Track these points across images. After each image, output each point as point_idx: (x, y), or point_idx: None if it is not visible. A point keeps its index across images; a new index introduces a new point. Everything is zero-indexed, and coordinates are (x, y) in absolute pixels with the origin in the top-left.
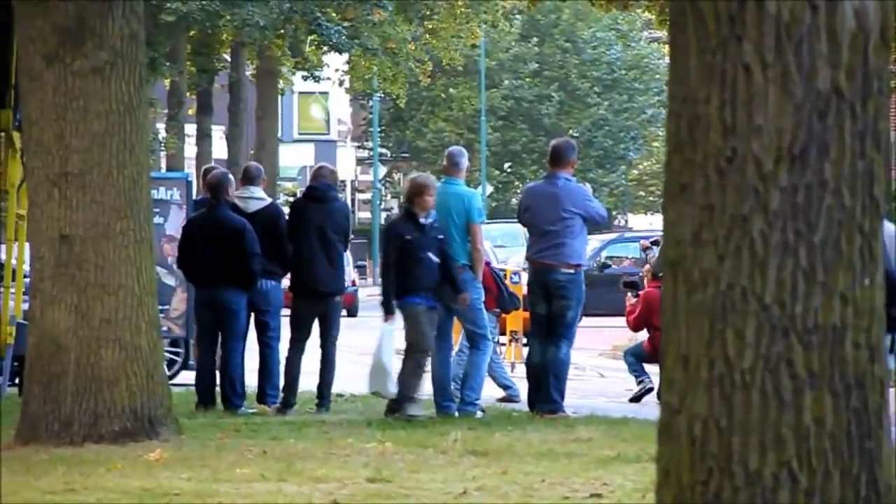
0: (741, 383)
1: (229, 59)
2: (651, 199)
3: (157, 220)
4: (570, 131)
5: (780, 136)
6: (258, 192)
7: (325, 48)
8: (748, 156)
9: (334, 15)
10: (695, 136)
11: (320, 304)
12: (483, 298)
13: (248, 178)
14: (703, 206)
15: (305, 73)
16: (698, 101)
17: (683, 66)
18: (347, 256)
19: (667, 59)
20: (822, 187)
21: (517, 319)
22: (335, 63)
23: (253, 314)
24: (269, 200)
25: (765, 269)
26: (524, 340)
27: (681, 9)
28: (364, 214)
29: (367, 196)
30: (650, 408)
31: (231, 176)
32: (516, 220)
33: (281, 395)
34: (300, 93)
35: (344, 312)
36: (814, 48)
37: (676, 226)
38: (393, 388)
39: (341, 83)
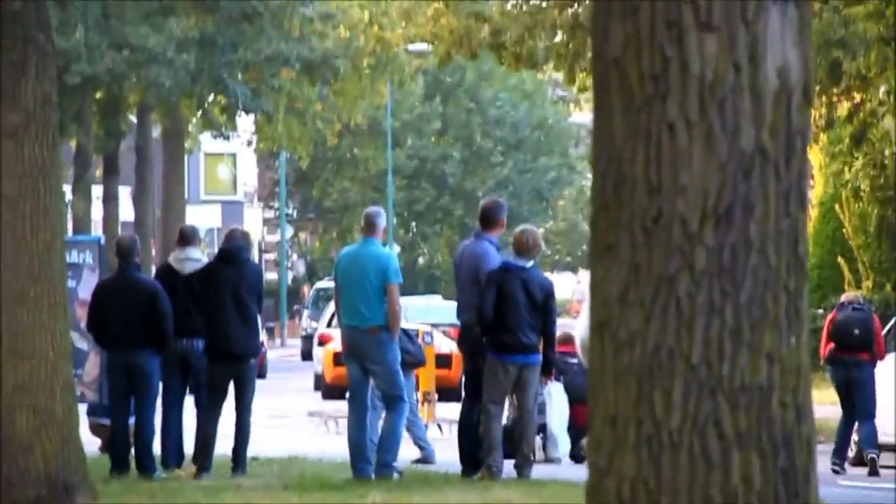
0: (669, 444)
1: (136, 120)
2: (556, 257)
3: (70, 283)
4: (475, 191)
5: (706, 196)
6: (194, 253)
7: (231, 109)
8: (674, 215)
9: (240, 77)
10: (620, 195)
11: (235, 367)
12: (399, 359)
13: (183, 240)
14: (630, 266)
15: (213, 133)
16: (623, 160)
17: (608, 126)
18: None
19: (569, 120)
20: (747, 247)
21: (429, 379)
22: (242, 124)
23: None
24: (205, 261)
25: (691, 329)
26: (436, 398)
27: (604, 68)
28: (271, 275)
29: (274, 256)
30: (567, 468)
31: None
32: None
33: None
34: (207, 154)
35: None
36: (738, 107)
37: (603, 286)
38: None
39: (249, 143)
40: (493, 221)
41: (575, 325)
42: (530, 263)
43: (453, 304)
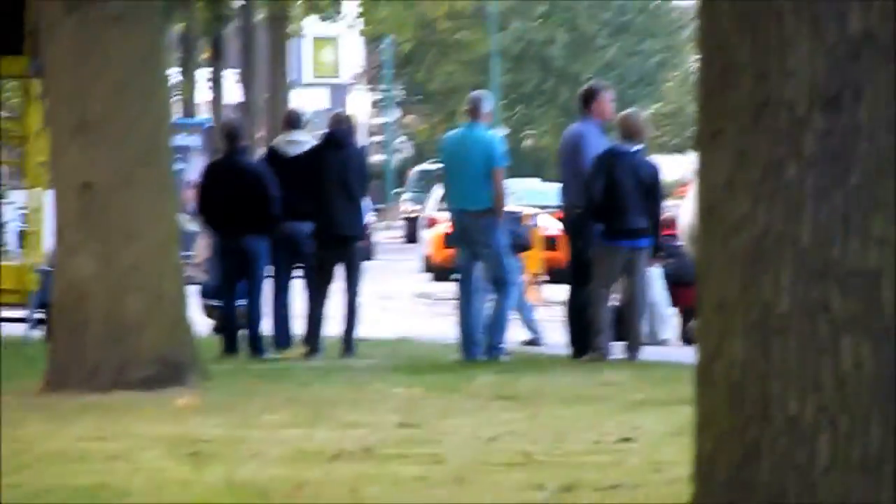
0: (778, 328)
1: (242, 3)
2: (663, 139)
3: (178, 166)
4: (581, 74)
5: (813, 81)
6: (301, 135)
7: None
8: (781, 101)
9: None
10: (727, 81)
11: (342, 249)
12: (507, 242)
13: (289, 123)
14: (737, 152)
15: (319, 16)
16: (730, 46)
17: (714, 12)
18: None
19: (674, 3)
20: (856, 132)
21: (537, 261)
22: (347, 7)
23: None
24: (312, 144)
25: (800, 214)
26: (544, 280)
27: None
28: (377, 158)
29: (380, 139)
30: (675, 350)
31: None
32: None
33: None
34: (313, 37)
35: None
36: None
37: (710, 171)
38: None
39: (353, 26)
40: (596, 104)
41: (680, 209)
42: (638, 147)
43: (556, 187)
